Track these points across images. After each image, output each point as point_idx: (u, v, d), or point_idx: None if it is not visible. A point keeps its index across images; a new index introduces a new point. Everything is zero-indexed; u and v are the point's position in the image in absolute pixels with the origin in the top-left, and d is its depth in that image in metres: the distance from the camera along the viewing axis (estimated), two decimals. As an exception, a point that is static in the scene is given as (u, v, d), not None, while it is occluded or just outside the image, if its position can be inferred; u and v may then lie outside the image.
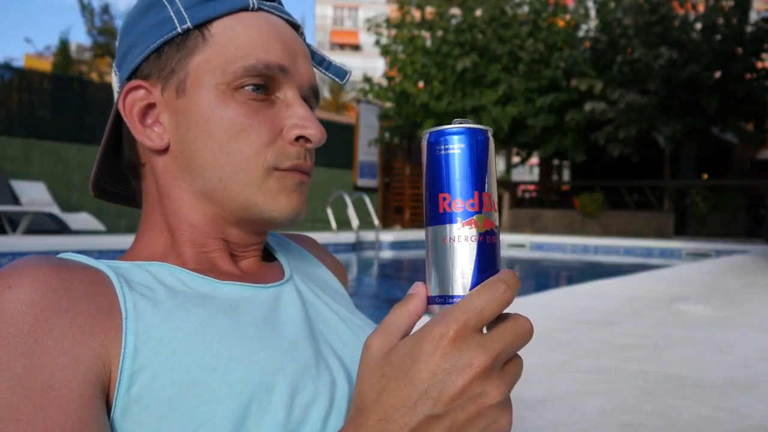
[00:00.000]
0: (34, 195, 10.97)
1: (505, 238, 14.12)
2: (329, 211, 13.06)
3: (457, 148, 0.45)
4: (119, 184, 0.76)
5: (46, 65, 20.20)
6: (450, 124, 0.46)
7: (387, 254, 11.88)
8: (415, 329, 0.45)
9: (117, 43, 0.70)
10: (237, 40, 0.63)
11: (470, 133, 0.46)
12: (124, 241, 8.87)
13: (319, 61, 0.73)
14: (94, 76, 20.96)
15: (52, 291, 0.52)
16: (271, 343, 0.59)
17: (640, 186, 17.57)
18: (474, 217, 0.45)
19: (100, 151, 0.70)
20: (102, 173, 0.73)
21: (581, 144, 17.17)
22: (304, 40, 0.72)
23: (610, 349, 3.34)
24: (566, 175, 24.89)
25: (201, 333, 0.56)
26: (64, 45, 19.47)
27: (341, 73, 0.73)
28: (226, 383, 0.54)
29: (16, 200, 10.71)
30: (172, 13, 0.64)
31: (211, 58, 0.63)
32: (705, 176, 20.53)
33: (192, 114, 0.64)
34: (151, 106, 0.66)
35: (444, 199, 0.45)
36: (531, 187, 22.45)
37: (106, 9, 21.37)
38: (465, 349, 0.42)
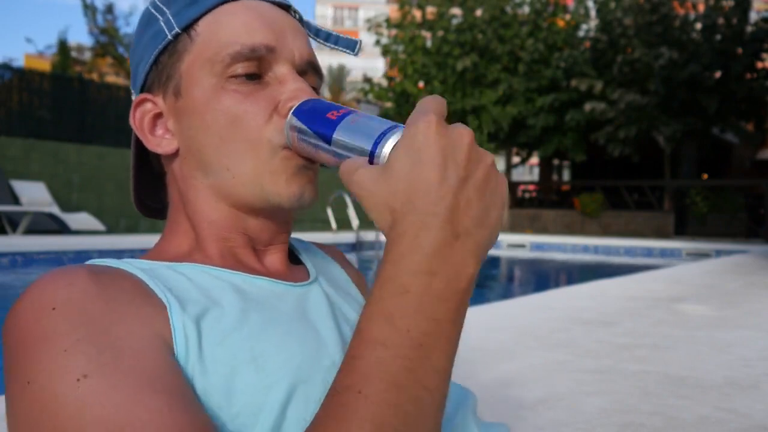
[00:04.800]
0: (34, 195, 10.97)
1: (505, 238, 14.12)
2: (329, 211, 13.06)
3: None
4: (161, 199, 0.78)
5: (45, 65, 20.17)
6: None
7: (387, 254, 11.82)
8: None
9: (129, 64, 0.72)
10: (221, 32, 0.65)
11: None
12: (124, 241, 8.86)
13: (326, 37, 0.72)
14: (94, 76, 20.93)
15: (106, 287, 0.55)
16: (304, 339, 0.61)
17: (640, 186, 17.58)
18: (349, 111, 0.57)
19: (132, 169, 0.74)
20: (143, 190, 0.76)
21: (581, 144, 17.17)
22: (300, 20, 0.72)
23: (609, 349, 3.34)
24: (566, 175, 24.89)
25: (237, 329, 0.58)
26: (62, 45, 19.44)
27: (351, 44, 0.72)
28: (265, 376, 0.56)
29: (16, 200, 10.72)
30: (162, 24, 0.66)
31: (199, 55, 0.65)
32: (705, 176, 20.53)
33: (190, 113, 0.65)
34: (158, 116, 0.68)
35: (332, 113, 0.57)
36: (531, 187, 22.45)
37: (109, 9, 21.26)
38: (449, 127, 0.47)
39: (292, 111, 0.61)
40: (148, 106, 0.68)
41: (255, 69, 0.64)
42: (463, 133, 0.47)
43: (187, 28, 0.66)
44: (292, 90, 0.64)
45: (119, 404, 0.48)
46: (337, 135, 0.55)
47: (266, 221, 0.68)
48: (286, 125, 0.61)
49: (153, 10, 0.68)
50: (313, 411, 0.53)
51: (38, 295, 0.53)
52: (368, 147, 0.51)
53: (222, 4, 0.66)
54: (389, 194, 0.46)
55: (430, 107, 0.48)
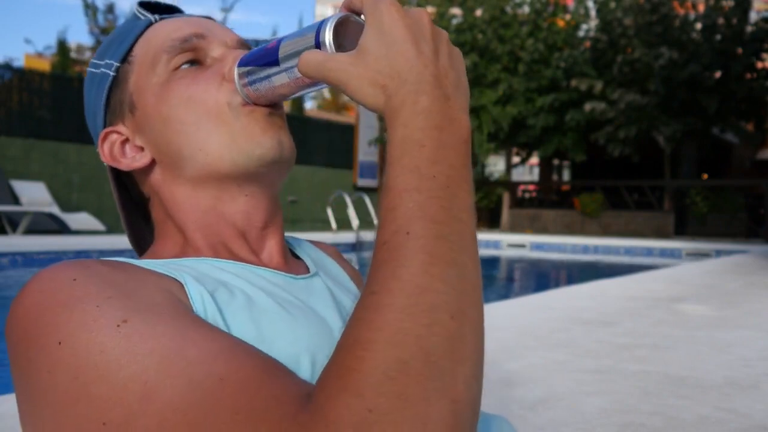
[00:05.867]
0: (34, 195, 10.98)
1: (505, 238, 14.12)
2: (329, 211, 13.07)
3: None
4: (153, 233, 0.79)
5: (45, 65, 20.15)
6: None
7: (387, 254, 11.80)
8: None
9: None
10: (153, 41, 0.69)
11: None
12: (124, 241, 8.81)
13: (255, 44, 0.75)
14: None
15: (119, 266, 0.56)
16: (311, 325, 0.62)
17: (640, 186, 17.57)
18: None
19: (122, 215, 0.76)
20: (137, 227, 0.78)
21: (581, 144, 17.16)
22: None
23: (609, 349, 3.34)
24: (566, 175, 24.88)
25: (246, 309, 0.59)
26: (62, 45, 19.43)
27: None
28: (273, 354, 0.56)
29: (16, 200, 10.72)
30: (104, 69, 0.71)
31: (141, 69, 0.69)
32: (705, 176, 20.53)
33: (150, 117, 0.68)
34: (125, 141, 0.71)
35: (270, 44, 0.62)
36: (531, 187, 22.44)
37: (110, 8, 21.21)
38: (407, 9, 0.52)
39: (235, 65, 0.65)
40: (113, 136, 0.71)
41: (193, 57, 0.68)
42: (421, 12, 0.52)
43: (125, 59, 0.70)
44: (233, 59, 0.67)
45: (167, 334, 0.48)
46: (282, 52, 0.59)
47: (253, 200, 0.68)
48: (236, 82, 0.64)
49: (92, 69, 0.73)
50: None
51: (52, 275, 0.52)
52: (312, 42, 0.56)
53: (148, 27, 0.71)
54: (375, 73, 0.51)
55: None
